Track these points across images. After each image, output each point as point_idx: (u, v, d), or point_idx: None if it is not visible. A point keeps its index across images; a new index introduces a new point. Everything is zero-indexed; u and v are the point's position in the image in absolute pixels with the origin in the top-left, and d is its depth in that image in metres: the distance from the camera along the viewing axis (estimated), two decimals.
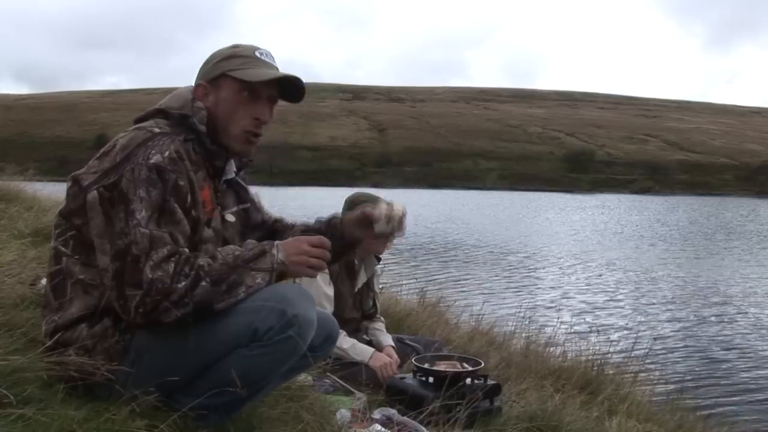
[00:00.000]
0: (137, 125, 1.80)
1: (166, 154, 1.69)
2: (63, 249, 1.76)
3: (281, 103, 1.95)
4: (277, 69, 1.88)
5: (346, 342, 3.09)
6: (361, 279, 3.41)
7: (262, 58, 1.87)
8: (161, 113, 1.85)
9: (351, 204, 3.39)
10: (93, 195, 1.69)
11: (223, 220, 1.91)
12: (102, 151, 1.76)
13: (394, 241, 2.82)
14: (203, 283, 1.62)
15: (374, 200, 2.90)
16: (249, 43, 1.93)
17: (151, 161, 1.67)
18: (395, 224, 2.02)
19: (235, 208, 1.99)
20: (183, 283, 1.61)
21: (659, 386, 5.27)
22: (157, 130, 1.76)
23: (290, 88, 1.90)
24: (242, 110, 1.84)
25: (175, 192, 1.69)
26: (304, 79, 1.89)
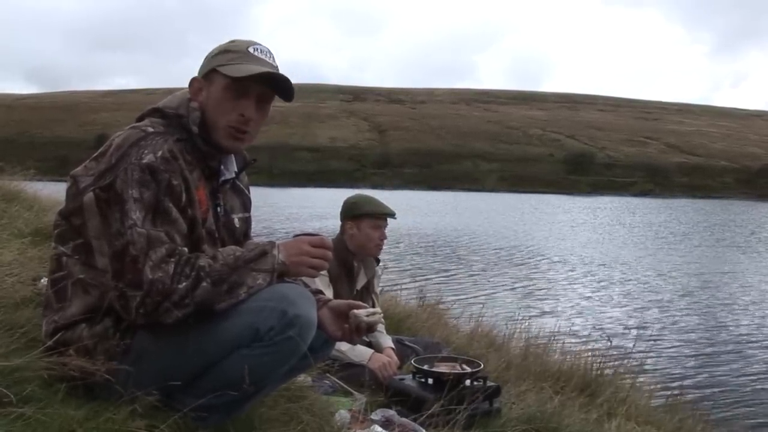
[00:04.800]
0: (132, 125, 1.80)
1: (159, 153, 1.69)
2: (63, 249, 1.76)
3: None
4: (271, 65, 1.85)
5: (344, 344, 3.08)
6: (361, 281, 3.40)
7: (255, 54, 1.83)
8: (157, 112, 1.84)
9: (350, 207, 3.38)
10: (89, 197, 1.70)
11: (229, 220, 1.92)
12: (99, 151, 1.76)
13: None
14: (204, 284, 1.62)
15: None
16: (247, 39, 1.89)
17: (144, 161, 1.66)
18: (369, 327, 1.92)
19: (240, 214, 1.99)
20: (184, 284, 1.61)
21: (659, 389, 5.27)
22: (150, 129, 1.75)
23: (282, 85, 1.86)
24: (228, 106, 1.80)
25: (168, 191, 1.68)
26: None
